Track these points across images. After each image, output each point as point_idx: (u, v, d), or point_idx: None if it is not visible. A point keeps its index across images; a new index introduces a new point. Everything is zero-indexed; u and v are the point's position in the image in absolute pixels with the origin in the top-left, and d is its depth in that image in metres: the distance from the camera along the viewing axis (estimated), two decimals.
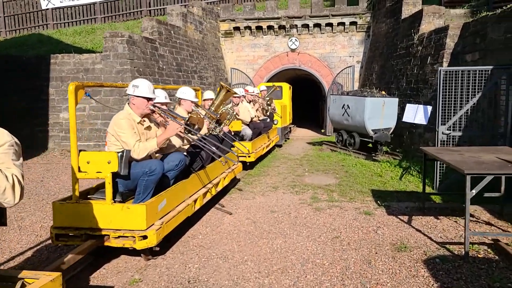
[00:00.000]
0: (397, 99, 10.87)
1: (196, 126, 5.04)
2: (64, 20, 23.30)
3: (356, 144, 11.11)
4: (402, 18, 13.08)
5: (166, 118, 4.53)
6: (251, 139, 9.41)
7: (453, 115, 7.30)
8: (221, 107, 7.21)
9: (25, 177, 9.28)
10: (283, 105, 14.29)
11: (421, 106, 8.07)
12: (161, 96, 5.14)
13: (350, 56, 17.12)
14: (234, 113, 8.75)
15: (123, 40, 11.43)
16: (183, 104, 6.15)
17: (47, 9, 23.33)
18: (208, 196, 5.86)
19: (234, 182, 8.02)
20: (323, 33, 17.17)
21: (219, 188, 6.38)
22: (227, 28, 17.87)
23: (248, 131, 9.21)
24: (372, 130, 10.60)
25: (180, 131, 4.50)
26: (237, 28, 17.80)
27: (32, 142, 12.00)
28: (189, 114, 4.91)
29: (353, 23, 16.71)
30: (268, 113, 11.46)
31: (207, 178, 5.85)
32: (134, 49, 11.65)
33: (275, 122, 13.19)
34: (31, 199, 7.27)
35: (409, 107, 8.28)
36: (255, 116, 10.46)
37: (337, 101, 11.86)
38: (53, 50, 14.20)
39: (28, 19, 23.29)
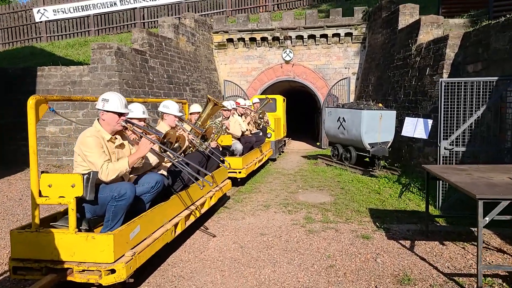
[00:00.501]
0: (395, 112, 10.48)
1: (176, 144, 4.59)
2: (57, 32, 23.04)
3: (353, 158, 10.67)
4: (399, 28, 12.77)
5: (139, 135, 4.07)
6: (242, 154, 8.95)
7: (456, 129, 6.89)
8: (209, 121, 6.77)
9: (4, 195, 8.80)
10: (277, 118, 13.88)
11: (421, 120, 7.65)
12: (137, 110, 4.69)
13: (345, 68, 16.79)
14: (224, 127, 8.33)
15: (111, 51, 11.03)
16: (166, 119, 5.71)
17: (41, 22, 23.06)
18: (192, 219, 5.37)
19: (223, 200, 7.55)
20: (318, 45, 16.87)
21: (205, 209, 5.89)
22: (220, 39, 17.55)
23: (238, 146, 8.76)
24: (369, 144, 10.18)
25: (155, 149, 4.04)
26: (230, 40, 17.48)
27: (16, 158, 11.51)
28: (167, 130, 4.44)
29: (348, 34, 16.42)
30: (260, 127, 11.03)
31: (190, 199, 5.37)
32: (122, 61, 11.25)
33: (269, 136, 12.76)
34: (5, 219, 6.77)
35: (408, 121, 7.86)
36: (247, 130, 10.03)
37: (332, 113, 11.46)
38: (45, 62, 13.78)
39: (21, 31, 23.01)
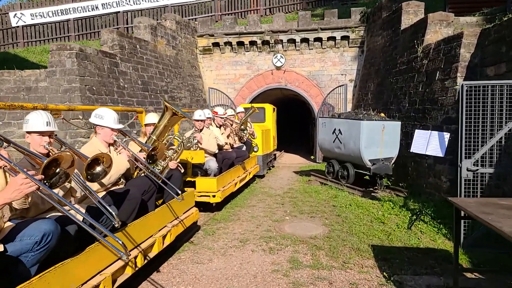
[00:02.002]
0: (399, 123, 9.02)
1: (99, 168, 3.10)
2: (35, 38, 21.69)
3: (350, 177, 9.17)
4: (402, 29, 11.39)
5: (10, 164, 2.55)
6: (218, 174, 7.44)
7: (480, 145, 5.44)
8: (167, 135, 5.27)
9: None
10: (266, 129, 12.40)
11: (435, 133, 6.20)
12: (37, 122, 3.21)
13: (342, 74, 15.38)
14: (195, 141, 6.83)
15: (72, 53, 9.55)
16: (99, 133, 4.22)
17: (17, 26, 21.74)
18: (129, 272, 3.84)
19: (191, 231, 6.06)
20: (312, 49, 15.47)
21: (153, 253, 4.36)
22: (206, 44, 16.13)
23: (212, 164, 7.25)
24: (370, 161, 8.71)
25: (34, 190, 2.50)
26: (216, 44, 16.07)
27: None
28: (61, 152, 2.86)
29: (344, 38, 15.04)
30: (244, 140, 9.54)
31: (132, 242, 3.85)
32: (86, 64, 9.77)
33: (255, 150, 11.26)
34: None
35: (419, 134, 6.40)
36: (226, 144, 8.53)
37: (327, 124, 9.99)
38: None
39: None
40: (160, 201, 5.34)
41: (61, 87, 9.56)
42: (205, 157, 7.28)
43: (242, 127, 8.91)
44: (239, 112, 10.42)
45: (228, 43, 15.95)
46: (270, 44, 15.66)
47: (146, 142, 5.09)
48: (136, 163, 4.33)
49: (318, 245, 5.53)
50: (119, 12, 20.98)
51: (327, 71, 15.50)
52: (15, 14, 21.82)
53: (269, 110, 13.10)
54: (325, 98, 15.12)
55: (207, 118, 7.83)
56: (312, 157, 16.72)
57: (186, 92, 14.57)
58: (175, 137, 5.26)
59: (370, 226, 6.42)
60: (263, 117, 13.10)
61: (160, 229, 4.58)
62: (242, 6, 19.26)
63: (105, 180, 3.90)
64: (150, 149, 4.25)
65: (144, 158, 4.40)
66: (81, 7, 21.63)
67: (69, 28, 21.63)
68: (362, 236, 5.89)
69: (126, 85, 11.11)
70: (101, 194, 3.94)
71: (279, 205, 8.04)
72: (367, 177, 9.44)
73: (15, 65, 14.89)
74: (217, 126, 8.63)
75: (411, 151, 6.54)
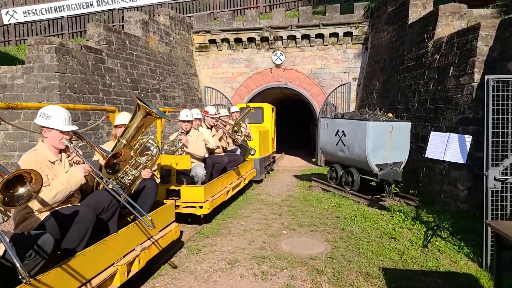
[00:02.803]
0: (409, 123, 8.19)
1: (22, 191, 2.30)
2: (28, 36, 20.91)
3: (355, 183, 8.33)
4: (410, 23, 10.55)
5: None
6: (206, 181, 6.62)
7: (510, 150, 4.62)
8: (140, 138, 4.44)
9: None
10: (264, 131, 11.58)
11: (454, 136, 5.36)
12: None
13: (345, 72, 14.54)
14: (180, 144, 6.01)
15: (51, 48, 8.76)
16: (46, 136, 3.41)
17: (9, 24, 21.06)
18: None
19: (173, 248, 5.26)
20: (313, 46, 14.63)
21: (114, 286, 3.53)
22: (202, 40, 15.32)
23: (200, 171, 6.42)
24: (377, 166, 7.87)
25: None
26: (213, 41, 15.25)
27: None
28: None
29: (348, 34, 14.19)
30: (239, 142, 8.73)
31: (79, 276, 3.02)
32: (67, 60, 8.97)
33: (252, 152, 10.43)
34: None
35: (436, 137, 5.57)
36: (218, 147, 7.72)
37: (329, 125, 9.16)
38: None
39: None
40: (132, 217, 4.53)
41: (39, 85, 8.77)
42: (192, 162, 6.46)
43: (236, 128, 8.07)
44: (233, 112, 9.61)
45: (225, 40, 15.14)
46: (269, 41, 14.83)
47: (114, 147, 4.28)
48: (94, 174, 3.50)
49: (319, 268, 4.70)
50: (114, 9, 20.23)
51: (329, 69, 14.66)
52: (7, 12, 21.17)
53: (268, 110, 12.28)
54: (327, 97, 14.29)
55: (196, 118, 7.02)
56: (313, 159, 15.89)
57: (180, 91, 13.76)
58: (150, 140, 4.44)
59: (380, 243, 5.59)
60: (261, 117, 12.28)
61: (126, 255, 3.76)
62: (241, 3, 18.40)
63: (48, 199, 3.09)
64: (110, 155, 3.42)
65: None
66: (75, 4, 20.95)
67: (62, 25, 20.93)
68: (371, 256, 5.05)
69: (113, 83, 10.31)
70: (43, 215, 3.13)
71: (276, 216, 7.21)
72: (373, 183, 8.62)
73: (4, 63, 14.18)
74: (208, 128, 7.81)
75: (426, 156, 5.70)
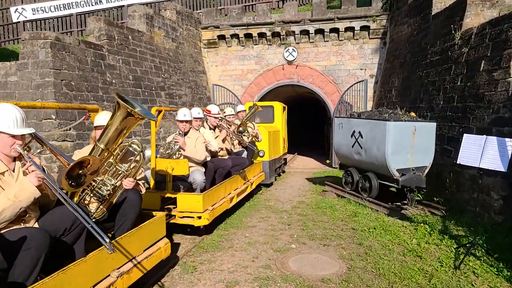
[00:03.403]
0: (434, 124, 7.37)
1: None
2: None
3: (373, 190, 7.55)
4: (433, 13, 9.69)
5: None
6: (206, 188, 5.94)
7: None
8: (121, 141, 3.78)
9: None
10: (275, 131, 10.86)
11: (492, 139, 4.57)
12: None
13: (361, 69, 13.71)
14: (176, 147, 5.36)
15: (46, 43, 8.20)
16: None
17: (19, 22, 20.82)
18: None
19: (167, 265, 4.60)
20: (327, 41, 13.85)
21: None
22: (210, 36, 14.67)
23: (198, 177, 5.73)
24: (398, 171, 7.09)
25: None
26: (222, 37, 14.59)
27: None
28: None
29: (364, 28, 13.37)
30: (246, 143, 8.03)
31: None
32: (63, 55, 8.41)
33: (261, 154, 9.73)
34: None
35: (469, 140, 4.79)
36: (222, 150, 7.04)
37: (345, 126, 8.40)
38: None
39: None
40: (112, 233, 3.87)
41: (33, 82, 8.22)
42: (190, 167, 5.79)
43: (241, 128, 7.36)
44: (240, 111, 8.93)
45: (235, 36, 14.46)
46: (281, 36, 14.09)
47: (92, 152, 3.62)
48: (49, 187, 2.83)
49: None
50: (123, 6, 19.75)
51: (344, 65, 13.86)
52: (16, 9, 20.93)
53: (279, 109, 11.56)
54: (342, 95, 13.48)
55: (196, 118, 6.35)
56: (327, 161, 15.10)
57: (187, 89, 13.14)
58: (132, 144, 3.77)
59: (403, 262, 4.82)
60: (272, 117, 11.58)
61: (97, 284, 3.09)
62: None
63: None
64: (72, 164, 2.75)
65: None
66: (84, 1, 20.54)
67: (71, 23, 20.59)
68: (394, 280, 4.30)
69: (114, 81, 9.73)
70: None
71: (285, 226, 6.49)
72: (393, 188, 7.83)
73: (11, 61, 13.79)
74: (210, 128, 7.14)
75: (458, 162, 4.91)
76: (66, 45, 8.51)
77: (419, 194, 7.95)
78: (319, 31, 13.78)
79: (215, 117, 7.03)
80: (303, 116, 23.70)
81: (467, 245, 4.98)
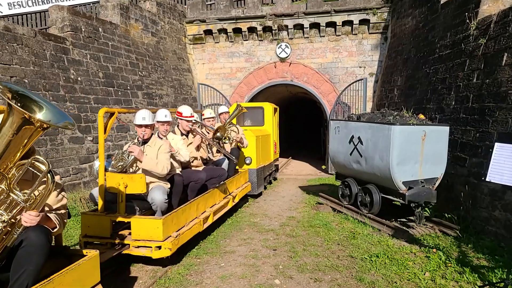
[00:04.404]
0: (447, 128, 6.25)
1: None
2: None
3: (375, 205, 6.41)
4: (442, 2, 8.59)
5: None
6: (168, 210, 4.79)
7: None
8: (18, 156, 2.63)
9: None
10: (264, 135, 9.74)
11: None
12: None
13: (360, 67, 12.62)
14: (131, 158, 4.22)
15: None
16: None
17: None
18: None
19: None
20: (323, 36, 12.75)
21: None
22: (196, 31, 13.54)
23: (157, 196, 4.56)
24: (404, 183, 5.96)
25: None
26: (209, 32, 13.46)
27: None
28: None
29: (364, 22, 12.27)
30: (225, 150, 6.90)
31: None
32: (14, 48, 7.27)
33: (247, 162, 8.63)
34: None
35: (504, 151, 3.66)
36: (196, 159, 5.91)
37: (342, 130, 7.27)
38: None
39: None
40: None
41: None
42: (150, 183, 4.66)
43: (218, 134, 6.21)
44: (222, 113, 7.79)
45: (223, 31, 13.33)
46: (273, 31, 12.98)
47: None
48: None
49: None
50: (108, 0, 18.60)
51: (341, 63, 12.76)
52: None
53: (269, 110, 10.42)
54: (339, 95, 12.38)
55: (161, 122, 5.24)
56: (323, 166, 13.98)
57: (170, 88, 11.99)
58: (35, 161, 2.64)
59: None
60: (262, 119, 10.45)
61: None
62: None
63: None
64: None
65: None
66: None
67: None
68: None
69: (79, 78, 8.59)
70: None
71: (269, 252, 5.35)
72: (397, 202, 6.71)
73: None
74: (182, 134, 6.01)
75: (488, 180, 3.78)
76: (18, 36, 7.37)
77: (428, 210, 6.84)
78: (315, 25, 12.67)
79: (187, 120, 5.89)
80: (299, 118, 22.62)
81: (497, 286, 3.87)
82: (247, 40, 13.32)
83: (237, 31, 13.25)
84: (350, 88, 12.24)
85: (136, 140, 4.84)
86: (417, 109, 8.35)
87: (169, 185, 4.94)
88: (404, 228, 5.95)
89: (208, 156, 6.42)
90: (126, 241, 4.43)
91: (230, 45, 13.51)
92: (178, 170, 5.48)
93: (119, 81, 9.79)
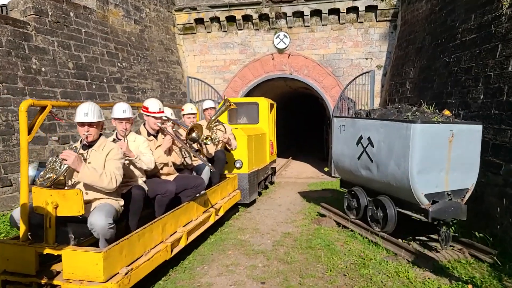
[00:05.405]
0: (480, 126, 5.03)
1: None
2: None
3: (390, 222, 5.20)
4: None
5: None
6: (127, 232, 3.61)
7: None
8: None
9: None
10: (258, 134, 8.56)
11: None
12: None
13: (366, 58, 11.40)
14: (64, 168, 3.05)
15: None
16: None
17: None
18: None
19: None
20: (326, 25, 11.53)
21: None
22: (186, 20, 12.35)
23: (98, 220, 3.34)
24: (427, 196, 4.77)
25: None
26: (200, 21, 12.28)
27: None
28: None
29: (371, 8, 11.06)
30: (199, 158, 5.72)
31: None
32: None
33: (238, 165, 7.46)
34: None
35: None
36: (166, 165, 4.73)
37: (348, 129, 6.08)
38: None
39: None
40: None
41: None
42: (94, 200, 3.47)
43: (194, 134, 4.99)
44: (206, 109, 6.62)
45: (215, 19, 12.14)
46: (270, 19, 11.77)
47: None
48: None
49: None
50: None
51: (346, 54, 11.54)
52: None
53: (264, 106, 9.23)
54: (344, 90, 11.17)
55: (118, 119, 4.08)
56: (326, 168, 12.78)
57: (155, 82, 10.80)
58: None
59: None
60: (256, 116, 9.27)
61: None
62: None
63: None
64: None
65: None
66: None
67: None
68: None
69: (43, 69, 7.42)
70: None
71: (257, 286, 4.17)
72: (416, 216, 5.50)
73: None
74: (150, 134, 4.82)
75: None
76: None
77: (454, 229, 5.62)
78: (316, 13, 11.45)
79: (155, 117, 4.70)
80: (300, 115, 21.42)
81: None
82: (241, 29, 12.12)
83: (231, 19, 12.05)
84: (356, 82, 11.03)
85: (77, 144, 3.65)
86: (435, 105, 7.15)
87: (121, 202, 3.76)
88: (427, 253, 4.75)
89: (185, 161, 5.22)
90: (56, 282, 3.26)
91: (223, 35, 12.31)
92: (141, 181, 4.31)
93: (94, 73, 8.61)
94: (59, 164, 3.36)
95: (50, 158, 3.53)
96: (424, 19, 9.08)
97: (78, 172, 3.35)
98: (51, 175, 3.35)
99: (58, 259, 3.44)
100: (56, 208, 3.24)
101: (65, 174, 3.48)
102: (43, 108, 3.53)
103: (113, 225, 3.37)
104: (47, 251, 3.28)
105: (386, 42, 11.15)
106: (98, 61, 8.85)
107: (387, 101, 10.15)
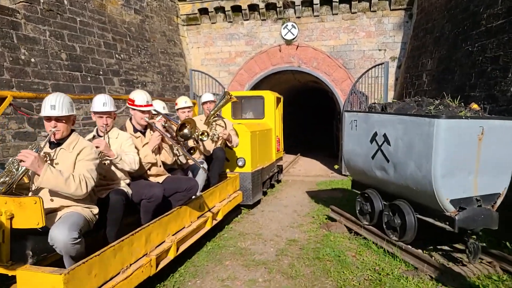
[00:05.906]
0: None
1: None
2: None
3: (408, 231, 4.59)
4: None
5: None
6: (104, 244, 3.08)
7: None
8: None
9: None
10: (263, 130, 8.00)
11: None
12: None
13: (379, 50, 10.74)
14: (21, 170, 2.50)
15: None
16: None
17: None
18: None
19: None
20: (336, 14, 10.89)
21: None
22: (190, 10, 11.80)
23: (59, 235, 2.79)
24: (453, 202, 4.15)
25: None
26: (204, 11, 11.72)
27: None
28: None
29: None
30: (192, 157, 5.17)
31: None
32: None
33: (240, 164, 6.91)
34: None
35: None
36: (154, 165, 4.19)
37: (360, 124, 5.47)
38: None
39: None
40: None
41: None
42: (61, 208, 2.94)
43: (186, 130, 4.42)
44: (205, 103, 6.06)
45: (220, 9, 11.57)
46: (278, 9, 11.15)
47: None
48: None
49: None
50: None
51: (358, 45, 10.89)
52: None
53: (270, 100, 8.65)
54: (355, 83, 10.52)
55: (98, 113, 3.56)
56: (336, 166, 12.16)
57: (156, 75, 10.28)
58: None
59: None
60: (262, 110, 8.69)
61: None
62: None
63: None
64: None
65: None
66: None
67: None
68: None
69: (33, 60, 6.93)
70: None
71: None
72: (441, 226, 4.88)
73: None
74: (136, 129, 4.28)
75: None
76: None
77: (482, 240, 5.00)
78: (326, 1, 10.82)
79: (142, 111, 4.15)
80: (309, 109, 20.79)
81: None
82: (247, 19, 11.52)
83: (237, 9, 11.47)
84: (368, 74, 10.36)
85: (43, 143, 3.10)
86: (456, 99, 6.49)
87: (95, 210, 3.22)
88: (452, 267, 4.14)
89: (179, 160, 4.67)
90: None
91: (228, 26, 11.73)
92: (124, 183, 3.77)
93: (89, 65, 8.11)
94: (16, 166, 2.83)
95: (10, 159, 3.00)
96: (443, 6, 8.38)
97: (39, 175, 2.81)
98: (6, 179, 2.82)
99: (14, 280, 2.91)
100: (11, 219, 2.71)
101: (29, 177, 2.95)
102: (2, 99, 3.00)
103: (78, 240, 2.83)
104: (0, 270, 2.75)
105: (401, 32, 10.46)
106: (94, 52, 8.34)
107: (403, 95, 9.49)
